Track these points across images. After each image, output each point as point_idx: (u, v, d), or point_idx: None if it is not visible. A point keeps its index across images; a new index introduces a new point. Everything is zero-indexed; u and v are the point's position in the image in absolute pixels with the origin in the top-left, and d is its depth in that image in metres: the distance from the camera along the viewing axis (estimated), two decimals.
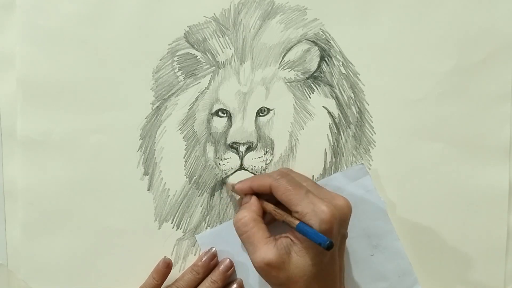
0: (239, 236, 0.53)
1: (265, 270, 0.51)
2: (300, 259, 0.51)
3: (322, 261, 0.51)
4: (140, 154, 0.59)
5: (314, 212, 0.50)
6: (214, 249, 0.59)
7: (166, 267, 0.58)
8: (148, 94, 0.59)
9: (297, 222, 0.51)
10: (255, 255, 0.51)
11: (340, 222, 0.51)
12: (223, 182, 0.60)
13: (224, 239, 0.59)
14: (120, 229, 0.59)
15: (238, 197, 0.59)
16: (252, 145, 0.59)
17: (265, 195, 0.55)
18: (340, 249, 0.53)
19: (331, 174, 0.60)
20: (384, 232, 0.59)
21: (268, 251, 0.51)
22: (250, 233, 0.52)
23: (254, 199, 0.55)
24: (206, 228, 0.60)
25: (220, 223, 0.60)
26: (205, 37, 0.59)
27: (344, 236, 0.54)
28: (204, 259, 0.58)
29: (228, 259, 0.58)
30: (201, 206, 0.60)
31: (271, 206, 0.54)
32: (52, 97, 0.58)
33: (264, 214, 0.55)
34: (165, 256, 0.58)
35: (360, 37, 0.59)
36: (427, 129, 0.60)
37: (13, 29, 0.58)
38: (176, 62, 0.59)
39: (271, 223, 0.55)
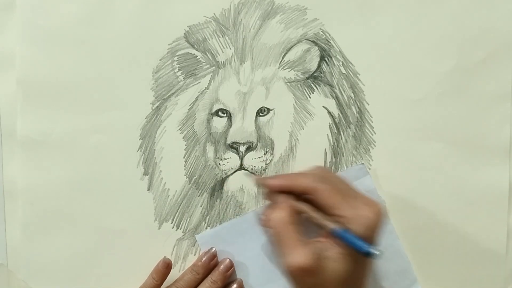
0: (274, 235, 0.50)
1: (298, 274, 0.48)
2: (335, 265, 0.48)
3: (356, 268, 0.49)
4: (140, 154, 0.59)
5: (358, 216, 0.48)
6: (214, 249, 0.59)
7: (166, 267, 0.58)
8: (148, 94, 0.59)
9: (337, 226, 0.49)
10: (288, 257, 0.49)
11: (380, 228, 0.50)
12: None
13: (224, 239, 0.59)
14: (120, 229, 0.59)
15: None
16: (252, 145, 0.59)
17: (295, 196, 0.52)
18: None
19: None
20: (384, 232, 0.59)
21: (303, 254, 0.48)
22: (287, 236, 0.49)
23: (287, 198, 0.52)
24: (206, 228, 0.60)
25: (220, 223, 0.60)
26: (205, 37, 0.59)
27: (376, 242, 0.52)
28: (204, 259, 0.58)
29: (228, 259, 0.58)
30: (201, 206, 0.60)
31: (308, 206, 0.51)
32: (52, 97, 0.58)
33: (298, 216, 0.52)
34: (164, 257, 0.58)
35: (360, 37, 0.59)
36: (427, 129, 0.60)
37: (13, 29, 0.58)
38: (176, 62, 0.59)
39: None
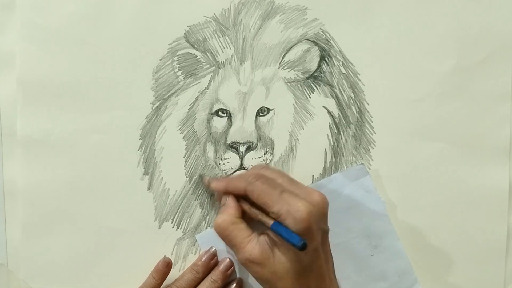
0: (222, 239, 0.54)
1: (250, 267, 0.52)
2: (282, 256, 0.51)
3: (304, 258, 0.51)
4: (140, 154, 0.59)
5: (289, 212, 0.50)
6: (214, 248, 0.59)
7: (166, 266, 0.58)
8: (148, 94, 0.59)
9: (271, 222, 0.51)
10: (239, 255, 0.53)
11: (318, 218, 0.51)
12: (200, 175, 0.59)
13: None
14: (120, 229, 0.59)
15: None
16: (252, 145, 0.59)
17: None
18: (324, 243, 0.53)
19: (331, 174, 0.60)
20: (384, 232, 0.59)
21: (251, 249, 0.52)
22: (231, 236, 0.53)
23: (231, 200, 0.55)
24: (206, 228, 0.60)
25: None
26: (205, 37, 0.59)
27: (325, 231, 0.53)
28: (204, 258, 0.58)
29: (228, 259, 0.58)
30: (201, 206, 0.60)
31: (247, 205, 0.55)
32: (52, 97, 0.58)
33: (243, 212, 0.55)
34: (164, 256, 0.58)
35: (360, 37, 0.59)
36: (427, 129, 0.60)
37: (13, 29, 0.58)
38: (176, 62, 0.59)
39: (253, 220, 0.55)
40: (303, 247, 0.48)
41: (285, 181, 0.54)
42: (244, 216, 0.55)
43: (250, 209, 0.54)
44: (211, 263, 0.58)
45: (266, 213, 0.52)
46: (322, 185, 0.58)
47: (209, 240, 0.59)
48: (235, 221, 0.54)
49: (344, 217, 0.56)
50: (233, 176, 0.58)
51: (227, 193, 0.56)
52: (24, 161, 0.59)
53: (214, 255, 0.58)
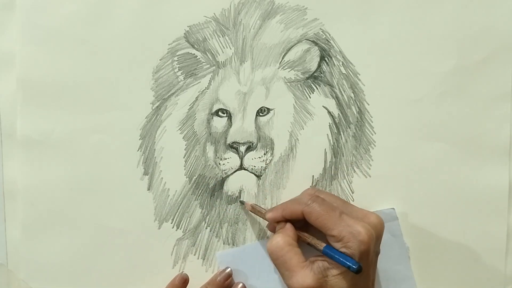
0: (274, 261, 0.53)
1: None
2: (337, 282, 0.50)
3: (358, 282, 0.51)
4: (140, 154, 0.59)
5: (352, 234, 0.50)
6: (229, 269, 0.58)
7: (183, 282, 0.58)
8: (148, 94, 0.59)
9: (323, 245, 0.51)
10: (291, 280, 0.51)
11: (376, 240, 0.51)
12: (241, 202, 0.60)
13: (243, 261, 0.59)
14: (120, 229, 0.59)
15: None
16: (252, 145, 0.59)
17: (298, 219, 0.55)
18: (374, 265, 0.53)
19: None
20: (403, 277, 0.59)
21: (305, 276, 0.50)
22: (286, 257, 0.52)
23: (289, 224, 0.55)
24: (206, 228, 0.60)
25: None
26: (205, 37, 0.59)
27: (377, 253, 0.54)
28: (219, 278, 0.58)
29: (241, 284, 0.58)
30: (201, 206, 0.60)
31: (301, 233, 0.54)
32: (52, 97, 0.58)
33: (298, 239, 0.54)
34: (182, 272, 0.58)
35: (360, 37, 0.59)
36: (427, 129, 0.60)
37: (13, 29, 0.58)
38: (176, 62, 0.59)
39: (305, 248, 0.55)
40: (359, 270, 0.48)
41: (341, 203, 0.55)
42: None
43: (301, 233, 0.54)
44: (226, 283, 0.58)
45: (321, 236, 0.52)
46: None
47: (228, 260, 0.59)
48: (292, 244, 0.53)
49: None
50: (287, 202, 0.57)
51: (282, 221, 0.55)
52: (24, 161, 0.59)
53: (229, 275, 0.58)
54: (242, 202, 0.60)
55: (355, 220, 0.51)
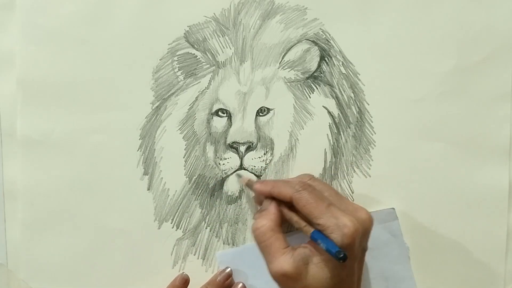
0: (258, 245, 0.53)
1: (282, 280, 0.51)
2: (318, 271, 0.50)
3: (341, 273, 0.50)
4: (140, 154, 0.59)
5: (337, 226, 0.49)
6: (229, 269, 0.58)
7: (184, 283, 0.58)
8: (148, 94, 0.59)
9: (311, 230, 0.51)
10: (272, 264, 0.51)
11: (362, 235, 0.51)
12: (237, 174, 0.59)
13: (243, 261, 0.59)
14: (120, 229, 0.59)
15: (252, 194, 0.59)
16: (252, 145, 0.59)
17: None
18: (360, 261, 0.53)
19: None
20: (403, 277, 0.59)
21: (285, 261, 0.50)
22: (268, 242, 0.52)
23: (273, 206, 0.54)
24: (206, 228, 0.60)
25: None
26: (205, 36, 0.59)
27: (364, 249, 0.53)
28: (219, 278, 0.58)
29: (242, 283, 0.58)
30: (201, 206, 0.60)
31: (287, 211, 0.54)
32: (52, 97, 0.58)
33: (282, 221, 0.54)
34: (183, 272, 0.59)
35: (360, 37, 0.59)
36: (427, 129, 0.60)
37: (13, 29, 0.58)
38: (176, 62, 0.59)
39: (290, 232, 0.55)
40: (343, 259, 0.48)
41: (332, 194, 0.54)
42: (282, 227, 0.54)
43: (290, 216, 0.53)
44: (226, 283, 0.58)
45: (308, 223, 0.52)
46: None
47: (228, 260, 0.59)
48: (274, 229, 0.53)
49: (366, 256, 0.57)
50: (279, 180, 0.57)
51: (269, 197, 0.55)
52: (24, 161, 0.59)
53: (229, 275, 0.58)
54: (239, 176, 0.59)
55: (342, 212, 0.50)
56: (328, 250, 0.49)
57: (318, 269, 0.50)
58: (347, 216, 0.50)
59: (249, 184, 0.58)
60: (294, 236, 0.54)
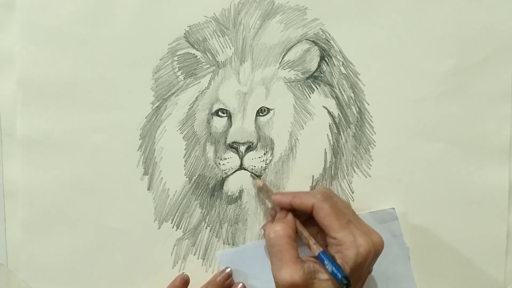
0: (269, 248, 0.53)
1: None
2: (325, 287, 0.51)
3: None
4: (140, 154, 0.59)
5: (354, 243, 0.50)
6: (229, 269, 0.58)
7: (184, 283, 0.58)
8: (148, 94, 0.59)
9: (320, 249, 0.51)
10: (281, 271, 0.51)
11: (372, 258, 0.52)
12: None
13: (243, 261, 0.59)
14: (120, 229, 0.59)
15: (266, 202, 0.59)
16: (252, 145, 0.59)
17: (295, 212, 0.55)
18: (363, 281, 0.53)
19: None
20: (403, 278, 0.59)
21: (295, 272, 0.50)
22: (282, 248, 0.52)
23: (291, 216, 0.55)
24: (206, 228, 0.60)
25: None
26: (205, 36, 0.59)
27: (369, 272, 0.54)
28: (219, 278, 0.58)
29: (241, 284, 0.58)
30: (201, 206, 0.60)
31: (302, 228, 0.54)
32: (52, 97, 0.58)
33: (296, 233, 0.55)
34: (183, 272, 0.59)
35: (360, 37, 0.59)
36: (427, 129, 0.60)
37: (13, 29, 0.58)
38: (176, 62, 0.59)
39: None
40: (347, 285, 0.48)
41: (351, 212, 0.55)
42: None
43: (301, 230, 0.54)
44: (226, 283, 0.58)
45: (323, 236, 0.53)
46: None
47: (228, 260, 0.59)
48: (291, 236, 0.53)
49: None
50: (298, 191, 0.57)
51: (287, 208, 0.55)
52: (24, 161, 0.59)
53: (229, 275, 0.58)
54: (253, 177, 0.59)
55: (360, 232, 0.51)
56: (333, 273, 0.49)
57: (324, 285, 0.51)
58: (363, 237, 0.51)
59: (264, 189, 0.58)
60: (301, 248, 0.54)
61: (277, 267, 0.52)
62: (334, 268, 0.50)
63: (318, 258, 0.51)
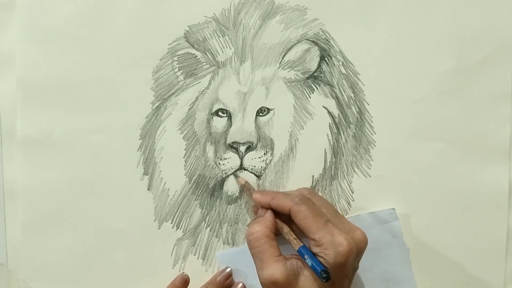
0: (250, 250, 0.53)
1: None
2: (308, 284, 0.50)
3: None
4: (140, 154, 0.59)
5: (332, 243, 0.50)
6: (229, 269, 0.59)
7: (184, 283, 0.58)
8: (148, 94, 0.59)
9: (300, 244, 0.51)
10: (263, 271, 0.51)
11: (355, 256, 0.51)
12: (235, 175, 0.59)
13: (243, 261, 0.58)
14: (120, 229, 0.59)
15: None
16: (252, 145, 0.59)
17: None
18: (349, 280, 0.53)
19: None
20: (403, 278, 0.59)
21: (276, 270, 0.50)
22: (261, 249, 0.52)
23: (270, 214, 0.55)
24: (206, 228, 0.60)
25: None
26: (205, 37, 0.59)
27: (355, 269, 0.53)
28: (219, 278, 0.58)
29: (242, 283, 0.58)
30: (201, 206, 0.60)
31: (282, 224, 0.54)
32: (52, 97, 0.58)
33: (277, 230, 0.55)
34: (183, 272, 0.59)
35: (360, 37, 0.59)
36: (427, 129, 0.60)
37: (13, 28, 0.58)
38: (176, 62, 0.59)
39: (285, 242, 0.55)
40: (326, 279, 0.48)
41: (331, 211, 0.54)
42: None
43: (282, 226, 0.54)
44: (226, 283, 0.58)
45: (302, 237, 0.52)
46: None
47: (228, 260, 0.59)
48: (269, 235, 0.53)
49: (366, 257, 0.57)
50: (278, 192, 0.57)
51: (267, 207, 0.55)
52: (24, 161, 0.59)
53: (229, 275, 0.58)
54: (236, 176, 0.59)
55: (339, 231, 0.51)
56: (313, 267, 0.49)
57: (308, 282, 0.50)
58: (343, 235, 0.50)
59: (246, 187, 0.58)
60: (286, 246, 0.54)
61: (259, 267, 0.52)
62: (313, 262, 0.49)
63: (298, 253, 0.51)
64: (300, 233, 0.53)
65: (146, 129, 0.59)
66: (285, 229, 0.54)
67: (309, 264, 0.50)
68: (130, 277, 0.60)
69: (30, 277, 0.59)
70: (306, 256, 0.50)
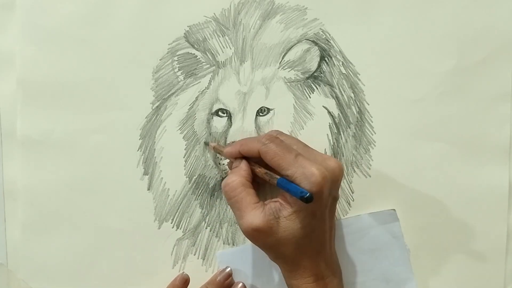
0: (227, 201, 0.53)
1: (253, 235, 0.51)
2: (289, 223, 0.50)
3: (311, 222, 0.51)
4: (140, 154, 0.59)
5: (304, 175, 0.49)
6: (229, 268, 0.59)
7: (184, 283, 0.58)
8: (148, 94, 0.59)
9: (277, 177, 0.50)
10: (242, 220, 0.51)
11: (331, 184, 0.51)
12: (204, 142, 0.59)
13: (243, 260, 0.59)
14: (120, 229, 0.59)
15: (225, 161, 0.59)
16: None
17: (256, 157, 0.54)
18: (330, 210, 0.53)
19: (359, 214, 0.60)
20: (404, 279, 0.59)
21: (255, 216, 0.50)
22: (238, 198, 0.52)
23: (244, 163, 0.54)
24: (206, 228, 0.60)
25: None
26: (205, 36, 0.59)
27: (335, 198, 0.53)
28: (219, 278, 0.58)
29: (242, 283, 0.58)
30: (201, 206, 0.60)
31: (259, 168, 0.54)
32: (52, 97, 0.58)
33: (254, 178, 0.54)
34: (183, 272, 0.59)
35: (360, 37, 0.59)
36: (427, 129, 0.60)
37: (13, 29, 0.58)
38: (176, 62, 0.59)
39: (261, 188, 0.55)
40: (308, 199, 0.47)
41: (301, 146, 0.54)
42: (254, 183, 0.54)
43: (259, 170, 0.53)
44: (226, 283, 0.58)
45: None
46: (349, 222, 0.59)
47: (228, 260, 0.59)
48: (245, 184, 0.53)
49: (366, 257, 0.56)
50: (246, 138, 0.57)
51: (239, 157, 0.55)
52: (24, 161, 0.59)
53: (229, 275, 0.58)
54: (206, 143, 0.59)
55: (310, 162, 0.50)
56: (293, 193, 0.49)
57: (289, 221, 0.50)
58: (314, 165, 0.50)
59: (217, 149, 0.58)
60: (264, 191, 0.53)
61: (238, 216, 0.52)
62: (292, 188, 0.49)
63: (277, 185, 0.50)
64: (275, 173, 0.52)
65: (146, 129, 0.59)
66: (263, 170, 0.53)
67: (290, 191, 0.49)
68: (130, 277, 0.60)
69: (30, 277, 0.59)
70: (286, 186, 0.49)
